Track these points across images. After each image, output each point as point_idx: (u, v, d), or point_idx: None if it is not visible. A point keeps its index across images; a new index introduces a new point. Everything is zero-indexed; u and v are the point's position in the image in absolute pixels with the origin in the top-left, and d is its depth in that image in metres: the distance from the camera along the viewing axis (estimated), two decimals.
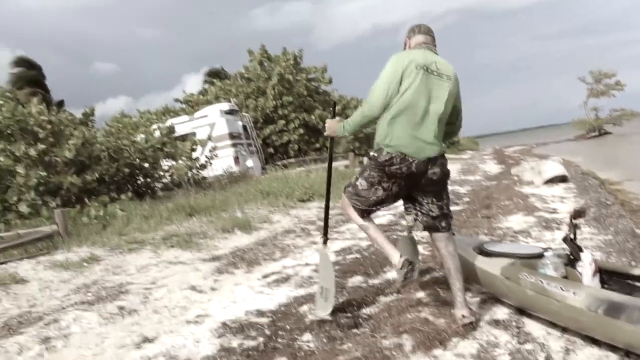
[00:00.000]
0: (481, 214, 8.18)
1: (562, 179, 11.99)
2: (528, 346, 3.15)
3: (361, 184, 3.58)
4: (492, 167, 21.12)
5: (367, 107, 3.49)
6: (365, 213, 3.66)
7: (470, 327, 3.41)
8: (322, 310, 3.92)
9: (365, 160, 4.23)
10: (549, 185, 11.62)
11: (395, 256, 3.49)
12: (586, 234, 6.11)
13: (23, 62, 30.13)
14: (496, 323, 3.53)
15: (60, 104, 32.34)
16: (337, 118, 3.88)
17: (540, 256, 3.79)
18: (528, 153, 35.88)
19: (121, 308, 4.49)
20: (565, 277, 3.51)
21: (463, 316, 3.43)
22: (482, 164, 24.82)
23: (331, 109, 4.34)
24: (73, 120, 12.98)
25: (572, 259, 3.61)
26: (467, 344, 3.23)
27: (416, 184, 3.50)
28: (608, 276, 3.52)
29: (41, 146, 9.75)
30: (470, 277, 4.01)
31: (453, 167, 21.96)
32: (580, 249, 3.57)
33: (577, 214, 3.68)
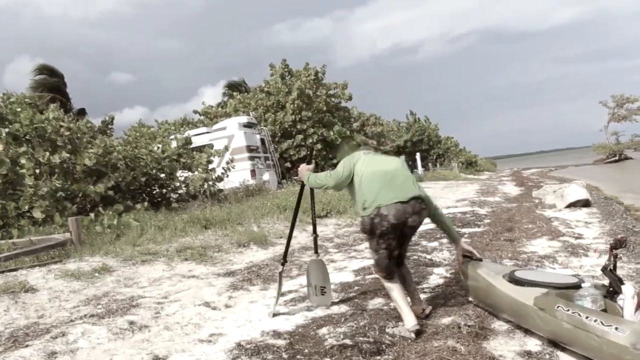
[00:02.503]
0: (504, 236, 7.94)
1: (585, 204, 11.71)
2: None
3: (374, 255, 4.03)
4: (512, 189, 20.81)
5: (323, 179, 4.22)
6: (392, 274, 4.02)
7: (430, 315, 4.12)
8: (321, 303, 4.70)
9: None
10: (571, 209, 11.36)
11: (411, 319, 3.81)
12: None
13: (45, 70, 30.26)
14: (528, 355, 3.31)
15: (81, 111, 32.54)
16: (312, 165, 4.51)
17: (577, 287, 3.55)
18: (546, 176, 35.47)
19: (131, 323, 4.31)
20: (605, 311, 3.26)
21: (423, 310, 4.16)
22: (501, 185, 24.51)
23: (309, 152, 4.64)
24: (92, 128, 12.96)
25: (611, 291, 3.39)
26: None
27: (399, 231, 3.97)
28: None
29: (65, 155, 9.67)
30: (500, 306, 3.81)
31: (471, 188, 21.77)
32: (621, 281, 3.36)
33: (618, 243, 3.48)
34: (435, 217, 4.29)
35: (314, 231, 4.96)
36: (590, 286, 3.44)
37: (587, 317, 3.05)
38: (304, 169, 4.44)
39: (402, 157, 4.38)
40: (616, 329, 2.87)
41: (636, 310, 3.14)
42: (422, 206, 3.95)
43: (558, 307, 3.25)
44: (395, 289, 3.94)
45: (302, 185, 4.70)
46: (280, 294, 4.75)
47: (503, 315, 3.88)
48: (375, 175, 3.95)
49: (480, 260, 4.41)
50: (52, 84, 29.61)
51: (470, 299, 4.45)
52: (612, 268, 3.42)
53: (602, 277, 5.10)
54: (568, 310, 3.19)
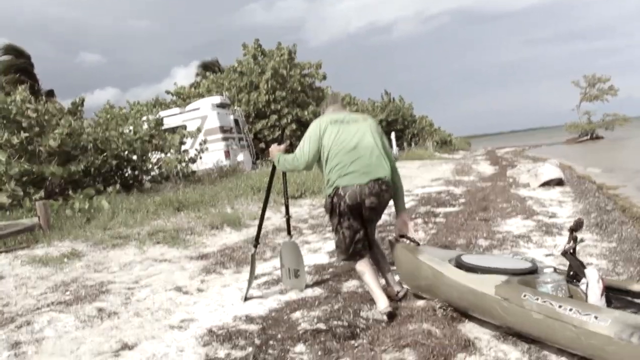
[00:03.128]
0: (479, 216, 7.93)
1: (559, 183, 11.81)
2: None
3: (334, 237, 3.97)
4: (486, 168, 20.94)
5: (292, 162, 4.09)
6: (359, 258, 3.90)
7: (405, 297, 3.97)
8: (295, 286, 4.60)
9: None
10: (545, 188, 11.44)
11: (383, 302, 3.72)
12: (589, 241, 5.87)
13: (11, 50, 29.37)
14: (504, 337, 3.25)
15: (50, 93, 31.79)
16: (283, 145, 4.37)
17: (532, 272, 3.38)
18: (520, 155, 35.82)
19: (100, 310, 4.19)
20: (571, 297, 3.12)
21: (398, 292, 4.00)
22: (476, 164, 24.65)
23: (280, 132, 4.48)
24: (61, 110, 12.63)
25: (572, 275, 3.26)
26: None
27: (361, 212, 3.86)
28: (611, 294, 3.15)
29: (24, 134, 9.40)
30: (450, 296, 3.50)
31: (446, 167, 21.84)
32: (583, 265, 3.26)
33: (578, 225, 3.35)
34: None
35: (287, 212, 4.83)
36: (552, 271, 3.28)
37: (560, 306, 2.82)
38: (274, 150, 4.29)
39: (373, 122, 4.12)
40: (596, 317, 2.67)
41: (602, 294, 3.04)
42: (382, 187, 3.82)
43: (525, 296, 3.00)
44: (366, 272, 3.84)
45: (274, 166, 4.54)
46: (254, 277, 4.65)
47: (454, 305, 3.55)
48: (340, 153, 3.83)
49: (418, 244, 4.11)
50: (19, 65, 28.86)
51: (404, 286, 4.11)
52: (572, 251, 3.31)
53: (545, 259, 5.13)
54: (537, 299, 2.94)
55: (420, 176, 17.21)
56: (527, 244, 5.92)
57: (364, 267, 3.86)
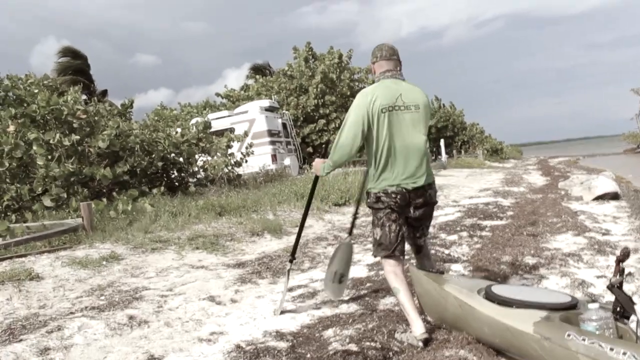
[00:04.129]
0: (527, 231, 7.64)
1: (614, 197, 11.31)
2: None
3: (376, 232, 3.70)
4: (537, 179, 20.36)
5: (334, 150, 3.70)
6: (396, 258, 3.68)
7: None
8: (335, 295, 4.44)
9: None
10: (599, 202, 10.98)
11: (419, 327, 3.51)
12: None
13: (69, 52, 30.28)
14: None
15: (104, 93, 32.64)
16: (323, 160, 3.92)
17: (573, 306, 3.06)
18: (574, 165, 34.77)
19: (131, 317, 4.14)
20: (620, 337, 2.81)
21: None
22: (527, 174, 24.04)
23: (324, 146, 4.18)
24: (111, 111, 12.87)
25: (620, 312, 2.92)
26: None
27: (408, 213, 3.68)
28: None
29: (75, 137, 9.57)
30: (482, 332, 3.21)
31: (496, 177, 21.36)
32: (631, 300, 2.93)
33: (625, 255, 3.01)
34: None
35: (356, 211, 4.51)
36: (597, 307, 2.91)
37: (612, 349, 2.53)
38: (318, 163, 3.92)
39: (427, 110, 3.77)
40: None
41: None
42: (430, 192, 3.71)
43: (569, 335, 2.71)
44: (401, 290, 3.59)
45: (316, 178, 4.33)
46: (286, 291, 4.54)
47: (485, 342, 3.24)
48: (392, 149, 3.56)
49: (442, 272, 3.85)
50: (75, 66, 29.71)
51: (428, 317, 3.84)
52: (619, 285, 2.97)
53: (596, 281, 4.83)
54: (584, 339, 2.64)
55: (468, 186, 16.86)
56: (577, 263, 5.63)
57: (400, 283, 3.62)
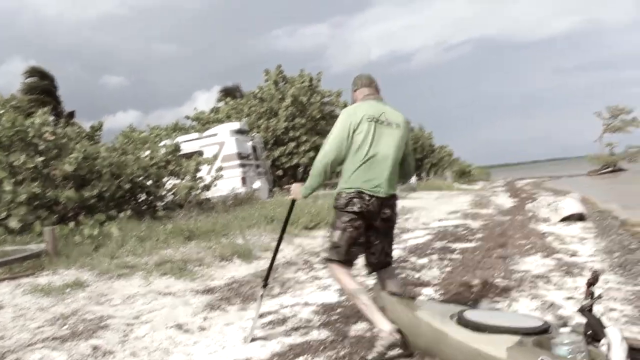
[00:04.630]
0: (496, 253, 7.69)
1: (580, 218, 11.50)
2: None
3: (336, 234, 3.75)
4: (505, 201, 20.61)
5: (319, 159, 3.75)
6: (348, 264, 3.79)
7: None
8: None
9: None
10: (566, 223, 11.15)
11: (386, 326, 3.51)
12: (612, 283, 5.61)
13: (36, 72, 29.92)
14: None
15: (71, 115, 32.17)
16: (301, 183, 3.98)
17: (545, 330, 3.05)
18: (540, 186, 35.32)
19: (95, 348, 4.01)
20: None
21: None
22: (495, 196, 24.32)
23: (295, 172, 4.19)
24: (80, 134, 12.66)
25: (591, 335, 2.95)
26: None
27: (371, 224, 3.77)
28: (636, 356, 2.82)
29: (40, 158, 9.37)
30: (452, 357, 3.17)
31: (464, 199, 21.55)
32: (602, 324, 2.96)
33: (595, 279, 3.06)
34: None
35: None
36: (569, 331, 2.93)
37: None
38: (297, 187, 3.99)
39: (406, 130, 3.95)
40: None
41: (627, 357, 2.73)
42: (395, 205, 3.89)
43: None
44: (363, 291, 3.71)
45: (293, 203, 4.30)
46: (258, 317, 4.44)
47: None
48: (370, 157, 3.68)
49: (413, 298, 3.83)
50: (42, 86, 29.32)
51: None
52: (589, 308, 3.01)
53: (565, 302, 4.86)
54: None
55: (438, 208, 16.97)
56: (546, 285, 5.67)
57: (357, 284, 3.77)
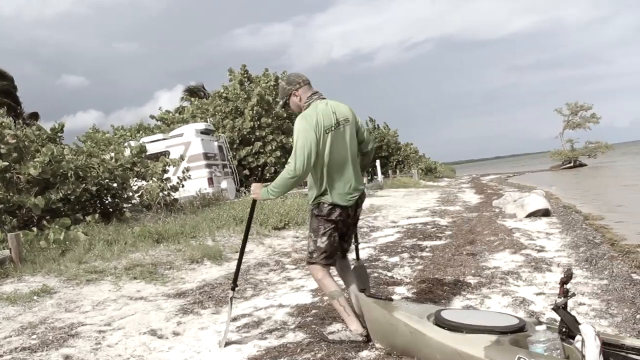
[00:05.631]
0: (466, 250, 7.77)
1: (545, 213, 11.72)
2: None
3: (322, 241, 3.91)
4: (472, 197, 20.86)
5: (289, 177, 3.76)
6: (332, 264, 4.03)
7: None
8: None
9: None
10: (531, 219, 11.34)
11: (356, 325, 3.90)
12: (580, 278, 5.73)
13: None
14: None
15: (33, 115, 31.46)
16: (261, 183, 4.05)
17: (521, 329, 3.12)
18: (505, 182, 35.89)
19: (67, 357, 3.91)
20: (567, 358, 2.89)
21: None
22: (461, 193, 24.61)
23: (259, 171, 4.21)
24: (41, 136, 12.36)
25: (566, 332, 3.01)
26: None
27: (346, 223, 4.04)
28: (608, 350, 2.88)
29: (3, 163, 9.12)
30: (430, 357, 3.20)
31: (432, 196, 21.75)
32: (576, 321, 3.02)
33: (568, 277, 3.12)
34: None
35: (356, 239, 4.47)
36: (544, 329, 2.99)
37: None
38: (257, 187, 3.99)
39: (355, 120, 4.07)
40: None
41: (600, 353, 2.78)
42: (363, 198, 4.09)
43: (519, 358, 2.76)
44: (340, 293, 3.95)
45: (254, 202, 4.32)
46: (230, 321, 4.39)
47: None
48: (336, 165, 3.85)
49: (390, 299, 3.84)
50: (1, 87, 28.54)
51: (376, 344, 3.83)
52: (564, 306, 3.07)
53: (535, 298, 4.94)
54: None
55: (406, 206, 17.09)
56: (516, 281, 5.75)
57: (336, 286, 3.99)
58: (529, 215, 11.56)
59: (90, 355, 4.02)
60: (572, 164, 57.16)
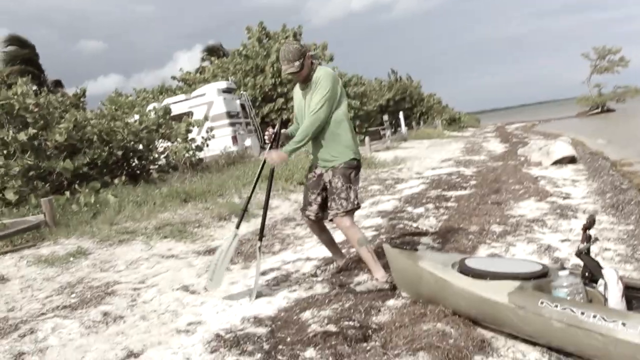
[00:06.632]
0: (491, 199, 7.79)
1: (571, 160, 11.62)
2: None
3: (354, 193, 4.20)
4: (497, 146, 20.70)
5: (317, 124, 4.05)
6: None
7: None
8: (211, 285, 4.38)
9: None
10: (557, 166, 11.27)
11: (382, 273, 4.11)
12: (606, 224, 5.74)
13: (15, 41, 29.08)
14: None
15: (58, 83, 31.65)
16: (278, 150, 4.25)
17: (545, 274, 3.16)
18: (530, 130, 35.46)
19: (106, 314, 4.08)
20: (590, 302, 2.94)
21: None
22: (486, 142, 24.42)
23: (274, 136, 4.40)
24: (64, 102, 12.52)
25: (588, 277, 3.06)
26: None
27: None
28: (629, 294, 2.92)
29: (32, 131, 9.29)
30: (459, 305, 3.26)
31: (456, 146, 21.63)
32: (599, 265, 3.06)
33: (591, 223, 3.17)
34: None
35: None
36: (567, 274, 3.02)
37: (582, 313, 2.62)
38: (276, 154, 4.21)
39: None
40: (624, 324, 2.46)
41: (622, 296, 2.83)
42: None
43: (542, 303, 2.78)
44: (367, 244, 4.24)
45: (272, 171, 4.59)
46: (259, 274, 4.50)
47: (463, 314, 3.29)
48: (350, 124, 4.30)
49: (415, 250, 3.91)
50: (23, 55, 28.68)
51: (403, 293, 3.95)
52: (587, 251, 3.12)
53: (560, 245, 4.97)
54: (556, 306, 2.73)
55: (430, 157, 17.05)
56: (541, 229, 5.78)
57: (363, 233, 4.42)
58: (555, 163, 11.49)
59: (127, 311, 4.18)
60: (599, 110, 56.12)
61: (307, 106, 4.14)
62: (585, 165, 11.10)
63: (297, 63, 4.05)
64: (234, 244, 4.42)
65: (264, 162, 4.43)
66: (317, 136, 4.13)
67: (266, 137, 4.42)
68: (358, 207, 4.25)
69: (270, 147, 4.31)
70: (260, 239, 4.52)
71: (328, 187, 4.23)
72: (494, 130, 43.48)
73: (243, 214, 4.69)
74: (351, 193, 4.16)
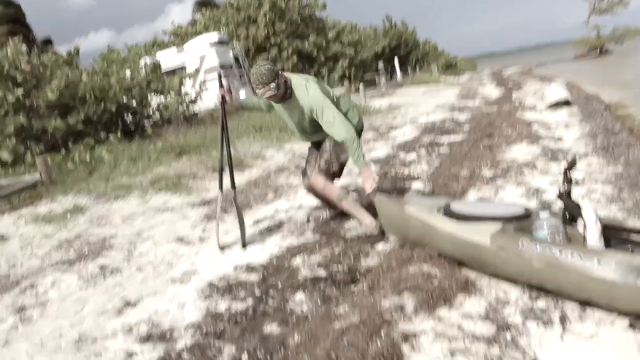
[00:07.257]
0: (483, 144, 7.83)
1: (566, 103, 11.61)
2: (541, 303, 2.85)
3: (342, 163, 4.40)
4: (492, 91, 20.60)
5: (355, 136, 3.95)
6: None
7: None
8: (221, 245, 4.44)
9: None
10: (552, 109, 11.26)
11: (370, 218, 4.22)
12: (595, 166, 5.80)
13: None
14: None
15: (47, 42, 31.24)
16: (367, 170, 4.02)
17: (527, 216, 3.25)
18: (527, 74, 35.19)
19: (103, 267, 4.20)
20: (569, 241, 3.04)
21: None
22: (481, 87, 24.31)
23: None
24: (57, 61, 12.39)
25: (567, 217, 3.17)
26: (474, 302, 2.95)
27: None
28: (608, 234, 3.03)
29: (19, 90, 9.25)
30: (445, 248, 3.34)
31: (451, 92, 21.53)
32: (579, 206, 3.15)
33: (572, 165, 3.25)
34: None
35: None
36: (548, 215, 3.13)
37: (560, 252, 2.71)
38: (370, 176, 3.94)
39: None
40: (598, 262, 2.57)
41: (600, 235, 2.94)
42: None
43: (522, 243, 2.88)
44: (348, 197, 4.53)
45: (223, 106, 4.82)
46: (243, 221, 4.53)
47: (448, 256, 3.36)
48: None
49: (402, 195, 4.08)
50: (9, 15, 28.21)
51: (390, 236, 4.01)
52: (568, 192, 3.20)
53: (549, 187, 5.05)
54: (536, 246, 2.82)
55: (425, 103, 16.99)
56: (531, 172, 5.86)
57: (343, 192, 4.59)
58: (550, 107, 11.47)
59: (124, 263, 4.30)
60: (598, 52, 55.49)
61: (299, 116, 4.21)
62: (579, 109, 11.09)
63: (272, 85, 3.96)
64: (219, 203, 4.58)
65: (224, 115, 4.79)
66: (317, 128, 4.14)
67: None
68: (338, 175, 4.45)
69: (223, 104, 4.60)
70: (233, 187, 4.54)
71: (321, 147, 4.37)
72: (490, 74, 43.09)
73: (221, 173, 4.66)
74: (334, 159, 4.32)
